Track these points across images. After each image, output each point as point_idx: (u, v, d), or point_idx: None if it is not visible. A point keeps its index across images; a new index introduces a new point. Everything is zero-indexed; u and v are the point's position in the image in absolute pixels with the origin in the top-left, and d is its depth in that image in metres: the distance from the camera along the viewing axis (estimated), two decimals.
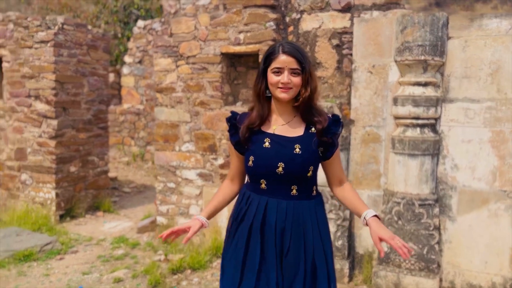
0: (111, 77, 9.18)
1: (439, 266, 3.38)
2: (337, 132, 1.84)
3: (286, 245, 1.79)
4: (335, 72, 3.76)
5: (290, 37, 3.93)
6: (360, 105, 3.60)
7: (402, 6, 3.66)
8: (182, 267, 3.70)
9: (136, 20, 10.54)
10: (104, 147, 5.59)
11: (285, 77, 1.74)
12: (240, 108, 4.00)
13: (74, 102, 5.08)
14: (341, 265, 3.55)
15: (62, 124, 4.94)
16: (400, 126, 3.43)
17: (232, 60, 4.21)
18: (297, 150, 1.77)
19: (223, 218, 4.03)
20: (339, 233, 3.57)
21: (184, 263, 3.71)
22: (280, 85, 1.75)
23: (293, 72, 1.75)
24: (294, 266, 1.80)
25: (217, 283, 3.45)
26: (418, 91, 3.32)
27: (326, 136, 1.80)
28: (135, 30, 8.56)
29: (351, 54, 3.67)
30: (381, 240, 1.69)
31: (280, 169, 1.76)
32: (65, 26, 4.87)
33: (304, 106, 1.80)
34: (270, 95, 1.84)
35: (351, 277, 3.59)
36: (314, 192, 1.89)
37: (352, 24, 3.68)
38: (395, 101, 3.40)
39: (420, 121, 3.33)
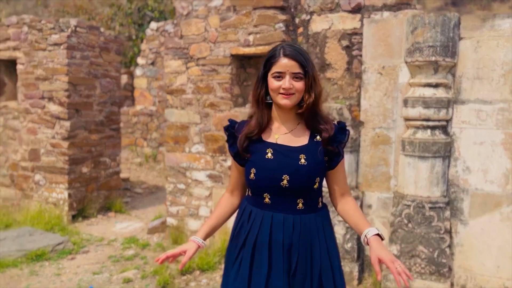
0: (124, 78, 9.27)
1: (450, 270, 3.33)
2: (343, 140, 1.74)
3: (294, 263, 1.68)
4: (345, 74, 3.73)
5: (300, 39, 3.92)
6: (370, 106, 3.57)
7: (413, 7, 3.62)
8: (191, 268, 3.71)
9: (150, 22, 10.63)
10: (116, 148, 5.64)
11: (286, 82, 1.62)
12: (249, 110, 4.01)
13: (87, 104, 5.14)
14: (350, 267, 3.52)
15: (75, 126, 5.01)
16: (411, 128, 3.39)
17: (241, 61, 4.22)
18: (303, 160, 1.66)
19: (233, 218, 4.02)
20: (348, 236, 3.54)
21: (193, 264, 3.72)
22: (282, 91, 1.64)
23: (295, 76, 1.63)
24: (301, 286, 1.69)
25: None
26: (428, 92, 3.28)
27: (332, 145, 1.70)
28: (148, 32, 8.63)
29: (361, 55, 3.64)
30: (380, 261, 1.55)
31: (285, 181, 1.65)
32: (78, 29, 4.93)
33: (308, 113, 1.69)
34: (270, 101, 1.72)
35: (360, 280, 3.56)
36: (320, 204, 1.79)
37: (362, 25, 3.65)
38: (405, 102, 3.36)
39: (430, 123, 3.28)
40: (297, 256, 1.68)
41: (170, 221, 4.43)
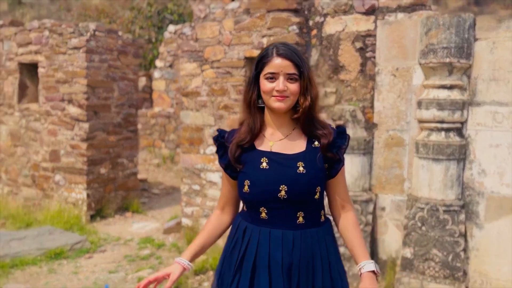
0: (143, 81, 9.41)
1: (465, 274, 3.28)
2: (343, 145, 1.60)
3: (294, 284, 1.53)
4: (358, 75, 3.72)
5: (314, 41, 3.93)
6: (384, 108, 3.55)
7: (428, 8, 3.59)
8: (204, 268, 3.75)
9: (169, 25, 10.78)
10: (133, 150, 5.74)
11: (280, 83, 1.49)
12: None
13: (105, 106, 5.25)
14: None
15: (93, 127, 5.12)
16: (425, 130, 3.36)
17: None
18: (301, 168, 1.52)
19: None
20: None
21: (206, 265, 3.76)
22: (275, 93, 1.51)
23: (289, 77, 1.51)
24: None
25: None
26: (443, 94, 3.25)
27: (331, 151, 1.56)
28: (166, 34, 8.75)
29: (374, 57, 3.63)
30: None
31: (283, 192, 1.51)
32: (96, 33, 5.04)
33: (304, 118, 1.55)
34: (263, 105, 1.59)
35: None
36: (322, 217, 1.63)
37: (375, 27, 3.64)
38: (419, 104, 3.33)
39: (445, 125, 3.25)
40: (298, 277, 1.53)
41: (185, 221, 4.49)
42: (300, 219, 1.55)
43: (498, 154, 3.20)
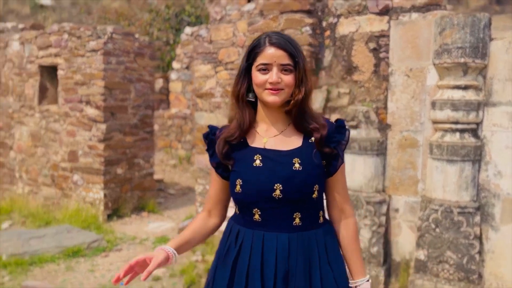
0: (160, 82, 9.52)
1: (480, 276, 3.24)
2: (342, 140, 1.48)
3: None
4: (372, 76, 3.70)
5: (327, 42, 3.93)
6: (397, 109, 3.53)
7: (443, 7, 3.56)
8: None
9: (186, 27, 10.88)
10: (149, 151, 5.82)
11: (274, 75, 1.38)
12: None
13: (122, 107, 5.34)
14: (376, 272, 3.48)
15: (110, 128, 5.21)
16: (439, 130, 3.32)
17: None
18: (297, 165, 1.42)
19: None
20: (374, 240, 3.51)
21: None
22: (268, 86, 1.40)
23: (284, 69, 1.40)
24: None
25: None
26: (457, 94, 3.21)
27: (329, 146, 1.45)
28: (183, 37, 8.84)
29: (388, 58, 3.61)
30: None
31: (278, 192, 1.40)
32: (113, 35, 5.14)
33: (296, 112, 1.45)
34: (253, 99, 1.48)
35: (386, 284, 3.52)
36: (321, 218, 1.52)
37: (389, 27, 3.62)
38: (433, 105, 3.30)
39: (459, 126, 3.21)
40: (295, 283, 1.42)
41: None
42: (297, 220, 1.44)
43: None
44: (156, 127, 8.46)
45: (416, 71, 3.44)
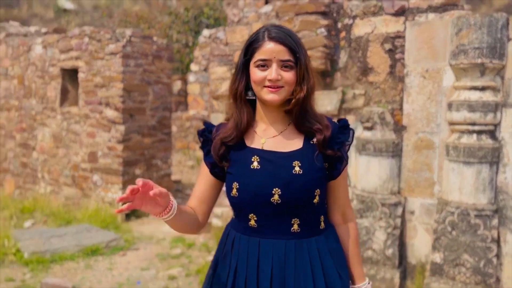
0: (178, 84, 9.63)
1: (498, 280, 3.18)
2: (346, 141, 1.39)
3: None
4: (388, 77, 3.68)
5: (342, 43, 3.92)
6: (413, 110, 3.50)
7: (461, 7, 3.52)
8: None
9: (204, 29, 10.98)
10: (167, 152, 5.90)
11: (273, 71, 1.29)
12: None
13: (140, 109, 5.43)
14: (391, 274, 3.46)
15: (129, 130, 5.31)
16: (455, 132, 3.28)
17: None
18: (297, 168, 1.32)
19: None
20: (389, 242, 3.48)
21: None
22: (267, 83, 1.31)
23: (284, 65, 1.31)
24: None
25: None
26: (474, 95, 3.17)
27: (331, 148, 1.36)
28: (201, 39, 8.92)
29: (403, 59, 3.58)
30: None
31: (276, 196, 1.31)
32: (132, 38, 5.24)
33: (297, 112, 1.35)
34: (253, 97, 1.39)
35: (402, 287, 3.49)
36: (323, 224, 1.42)
37: (405, 28, 3.59)
38: (450, 106, 3.27)
39: (476, 127, 3.17)
40: None
41: (215, 222, 4.57)
42: (295, 226, 1.35)
43: None
44: (174, 128, 8.56)
45: (432, 72, 3.41)
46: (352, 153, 3.77)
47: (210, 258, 4.12)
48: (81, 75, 5.59)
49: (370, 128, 3.59)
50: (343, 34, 3.93)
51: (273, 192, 1.32)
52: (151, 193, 1.18)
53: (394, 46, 3.66)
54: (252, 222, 1.36)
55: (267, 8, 4.55)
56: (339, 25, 3.93)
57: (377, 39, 3.73)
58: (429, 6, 3.54)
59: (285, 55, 1.31)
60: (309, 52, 3.87)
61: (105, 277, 3.82)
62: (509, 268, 3.18)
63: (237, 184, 1.35)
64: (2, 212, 5.52)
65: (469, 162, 3.18)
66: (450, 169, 3.28)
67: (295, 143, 1.38)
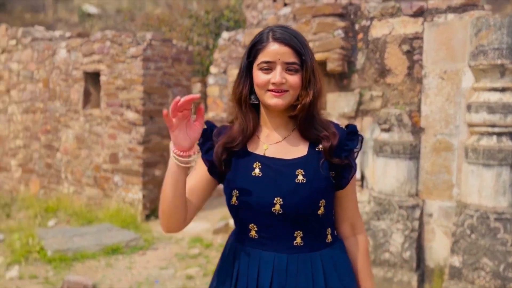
0: (198, 87, 9.73)
1: None
2: (354, 148, 1.31)
3: None
4: (405, 79, 3.66)
5: (360, 44, 3.91)
6: (431, 112, 3.47)
7: (481, 8, 3.47)
8: None
9: (224, 32, 11.07)
10: None
11: (277, 74, 1.22)
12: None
13: (160, 111, 5.52)
14: (409, 277, 3.43)
15: (149, 131, 5.41)
16: (474, 134, 3.24)
17: None
18: (300, 177, 1.25)
19: None
20: (406, 244, 3.46)
21: None
22: (271, 87, 1.24)
23: (289, 68, 1.24)
24: None
25: None
26: (494, 97, 3.12)
27: (338, 155, 1.28)
28: (220, 41, 8.99)
29: (422, 60, 3.56)
30: None
31: (277, 206, 1.24)
32: (152, 42, 5.33)
33: (302, 117, 1.28)
34: (256, 102, 1.31)
35: None
36: (329, 237, 1.33)
37: (423, 29, 3.57)
38: (469, 108, 3.23)
39: (496, 129, 3.12)
40: None
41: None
42: (298, 239, 1.27)
43: None
44: None
45: (450, 73, 3.37)
46: (369, 155, 3.76)
47: None
48: (103, 78, 5.72)
49: (387, 130, 3.57)
50: (360, 35, 3.92)
51: (275, 201, 1.24)
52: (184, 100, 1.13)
53: (412, 47, 3.63)
54: (253, 233, 1.28)
55: (286, 10, 4.58)
56: (357, 26, 3.93)
57: (394, 40, 3.71)
58: (449, 6, 3.51)
59: (290, 57, 1.23)
60: (326, 54, 3.90)
61: (124, 275, 3.90)
62: None
63: (237, 191, 1.28)
64: (27, 211, 5.69)
65: (489, 165, 3.14)
66: (469, 172, 3.24)
67: (299, 150, 1.30)
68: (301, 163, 1.28)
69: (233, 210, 1.31)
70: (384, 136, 3.58)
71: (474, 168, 3.21)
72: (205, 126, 1.35)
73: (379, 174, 3.62)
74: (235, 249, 1.33)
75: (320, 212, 1.27)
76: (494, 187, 3.14)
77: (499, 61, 3.06)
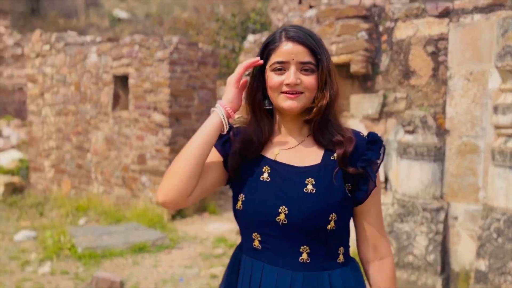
0: (224, 89, 9.83)
1: None
2: (374, 159, 1.17)
3: None
4: (430, 80, 3.63)
5: (384, 46, 3.90)
6: (456, 114, 3.43)
7: (508, 8, 3.41)
8: None
9: (250, 34, 11.15)
10: None
11: (291, 75, 1.14)
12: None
13: (186, 114, 5.63)
14: (433, 281, 3.39)
15: (175, 133, 5.52)
16: (501, 136, 3.18)
17: None
18: (310, 186, 1.15)
19: None
20: (431, 247, 3.42)
21: None
22: (285, 88, 1.16)
23: (303, 68, 1.16)
24: None
25: None
26: None
27: (353, 165, 1.16)
28: (246, 44, 9.07)
29: (447, 61, 3.52)
30: None
31: (282, 216, 1.14)
32: (179, 45, 5.45)
33: (317, 120, 1.19)
34: (270, 107, 1.24)
35: None
36: (341, 257, 1.20)
37: (449, 30, 3.53)
38: (496, 109, 3.17)
39: None
40: None
41: None
42: (304, 255, 1.15)
43: None
44: None
45: (476, 74, 3.33)
46: (393, 157, 3.74)
47: None
48: (131, 81, 5.88)
49: (411, 132, 3.54)
50: (384, 37, 3.91)
51: (280, 210, 1.15)
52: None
53: (437, 48, 3.60)
54: (256, 243, 1.18)
55: (311, 12, 4.59)
56: (381, 28, 3.92)
57: (419, 41, 3.68)
58: (475, 7, 3.46)
59: (305, 57, 1.15)
60: (349, 56, 3.90)
61: (150, 273, 4.00)
62: None
63: (243, 196, 1.20)
64: (59, 210, 5.90)
65: None
66: (495, 174, 3.18)
67: (313, 158, 1.20)
68: (312, 172, 1.17)
69: (237, 215, 1.23)
70: (408, 138, 3.56)
71: (501, 170, 3.15)
72: None
73: (402, 176, 3.60)
74: (240, 259, 1.24)
75: (329, 227, 1.15)
76: None
77: None
